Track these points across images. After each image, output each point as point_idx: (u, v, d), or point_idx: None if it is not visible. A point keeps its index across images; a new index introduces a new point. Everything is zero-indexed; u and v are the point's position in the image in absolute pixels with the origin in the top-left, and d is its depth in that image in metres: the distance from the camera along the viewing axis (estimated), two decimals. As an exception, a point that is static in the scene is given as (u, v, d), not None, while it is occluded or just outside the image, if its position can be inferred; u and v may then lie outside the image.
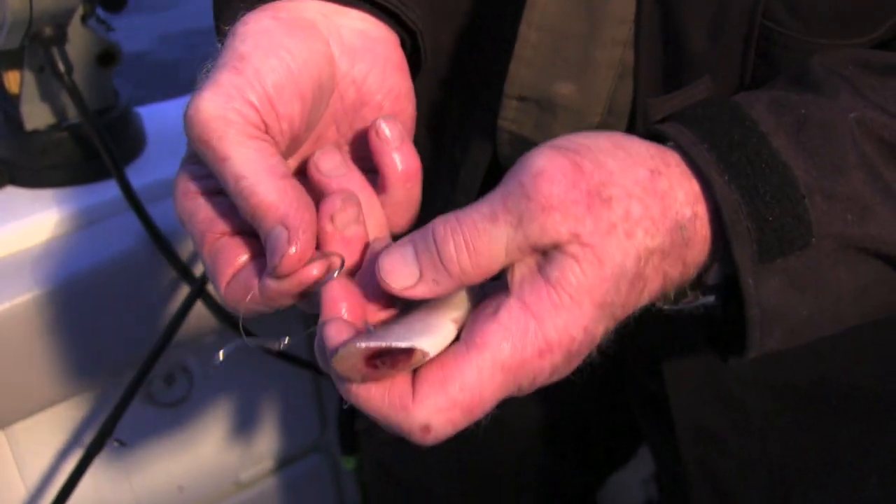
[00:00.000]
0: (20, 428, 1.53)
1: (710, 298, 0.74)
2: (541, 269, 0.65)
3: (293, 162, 0.78)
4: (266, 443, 1.85)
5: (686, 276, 0.71)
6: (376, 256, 0.67)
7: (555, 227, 0.64)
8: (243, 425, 1.80)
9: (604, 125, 0.91)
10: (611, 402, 1.38)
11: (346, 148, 0.80)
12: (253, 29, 0.72)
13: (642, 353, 1.14)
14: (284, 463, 1.89)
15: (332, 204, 0.69)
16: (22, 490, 1.56)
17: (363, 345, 0.62)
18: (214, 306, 1.53)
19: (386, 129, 0.73)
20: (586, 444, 1.46)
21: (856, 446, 1.07)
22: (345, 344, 0.63)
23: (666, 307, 0.75)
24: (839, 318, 0.75)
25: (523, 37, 0.90)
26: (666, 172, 0.68)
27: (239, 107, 0.69)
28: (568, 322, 0.64)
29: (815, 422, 1.06)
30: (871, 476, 1.07)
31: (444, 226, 0.65)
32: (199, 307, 1.53)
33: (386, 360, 0.63)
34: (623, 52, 0.88)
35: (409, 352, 0.63)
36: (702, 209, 0.69)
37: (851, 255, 0.71)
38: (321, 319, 0.67)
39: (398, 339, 0.63)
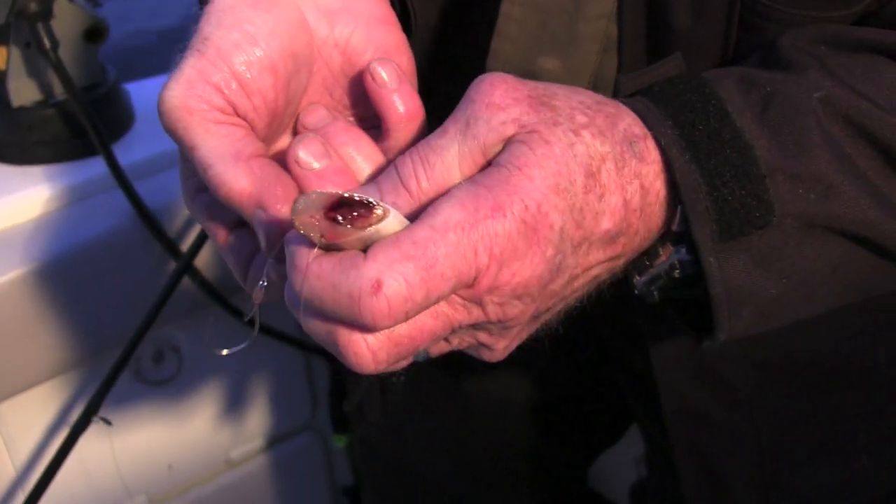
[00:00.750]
0: (8, 406, 1.53)
1: (682, 251, 0.73)
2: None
3: (286, 137, 0.77)
4: (257, 421, 1.84)
5: (647, 209, 0.70)
6: None
7: (500, 120, 0.64)
8: (234, 403, 1.80)
9: None
10: (600, 380, 1.38)
11: (348, 113, 0.79)
12: (217, 7, 0.71)
13: (628, 332, 1.13)
14: (275, 441, 1.88)
15: (293, 148, 0.68)
16: (10, 469, 1.56)
17: (323, 192, 0.61)
18: (203, 283, 1.53)
19: (381, 71, 0.71)
20: (576, 423, 1.46)
21: (845, 422, 1.06)
22: (305, 195, 0.61)
23: (644, 277, 0.75)
24: (811, 299, 0.75)
25: (506, 13, 0.89)
26: (612, 104, 0.68)
27: (201, 93, 0.68)
28: (518, 188, 0.63)
29: (803, 398, 1.06)
30: (860, 451, 1.07)
31: (403, 154, 0.66)
32: (189, 285, 1.53)
33: (346, 216, 0.61)
34: (607, 25, 0.87)
35: (369, 207, 0.61)
36: (651, 142, 0.69)
37: (817, 234, 0.70)
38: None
39: (356, 192, 0.62)
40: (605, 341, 1.27)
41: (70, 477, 1.58)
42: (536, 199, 0.63)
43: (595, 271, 0.70)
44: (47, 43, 1.41)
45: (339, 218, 0.61)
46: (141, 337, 1.43)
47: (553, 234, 0.64)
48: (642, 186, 0.68)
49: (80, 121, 1.47)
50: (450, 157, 0.65)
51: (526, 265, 0.64)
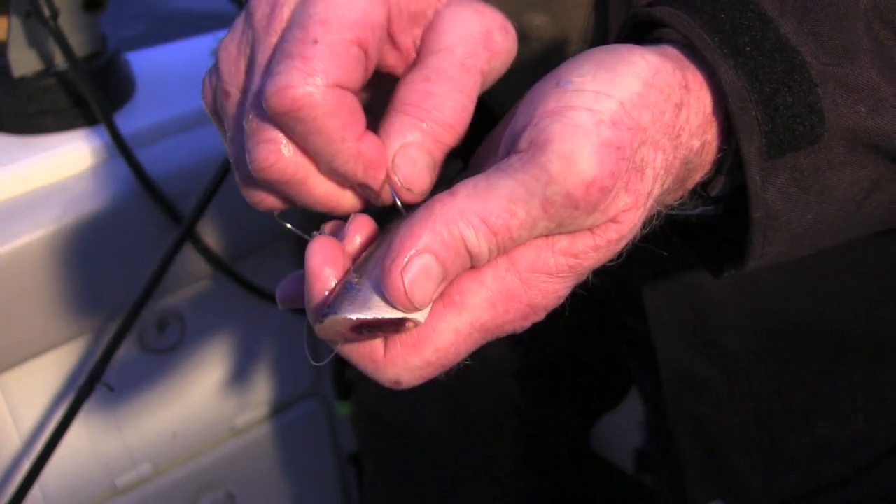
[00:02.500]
0: (13, 375, 1.54)
1: (712, 207, 0.71)
2: (549, 233, 0.61)
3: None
4: (260, 389, 1.85)
5: (682, 198, 0.68)
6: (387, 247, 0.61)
7: (593, 222, 0.60)
8: (237, 371, 1.80)
9: None
10: (601, 344, 1.38)
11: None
12: None
13: (630, 295, 1.14)
14: (279, 409, 1.89)
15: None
16: (16, 437, 1.57)
17: (352, 316, 0.59)
18: (205, 250, 1.53)
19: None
20: (577, 386, 1.46)
21: (843, 385, 1.06)
22: (330, 312, 0.60)
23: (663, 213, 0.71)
24: (839, 227, 0.71)
25: None
26: (687, 101, 0.63)
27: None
28: (559, 287, 0.62)
29: (801, 364, 1.06)
30: (857, 414, 1.07)
31: (475, 233, 0.59)
32: (192, 253, 1.53)
33: (373, 331, 0.60)
34: None
35: (398, 324, 0.60)
36: (710, 135, 0.65)
37: (860, 153, 0.66)
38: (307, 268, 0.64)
39: (387, 311, 0.59)
40: (607, 305, 1.27)
41: (75, 446, 1.59)
42: (570, 285, 0.63)
43: None
44: (47, 12, 1.41)
45: (367, 332, 0.61)
46: (143, 304, 1.44)
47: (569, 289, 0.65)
48: (683, 189, 0.67)
49: (81, 90, 1.47)
50: (525, 240, 0.61)
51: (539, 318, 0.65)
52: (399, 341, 0.61)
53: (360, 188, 0.68)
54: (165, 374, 1.72)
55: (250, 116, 0.65)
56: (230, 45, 0.68)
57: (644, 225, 0.65)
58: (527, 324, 0.63)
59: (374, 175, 0.67)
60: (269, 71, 0.63)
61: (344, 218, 0.70)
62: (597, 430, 1.65)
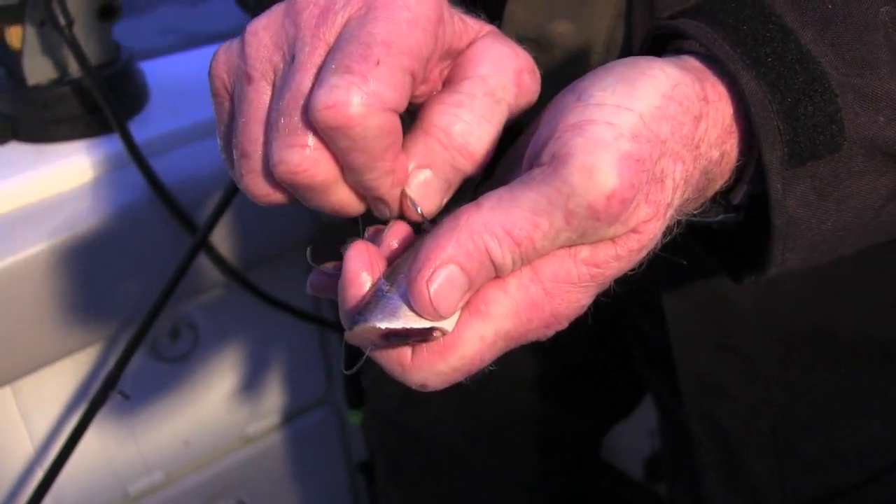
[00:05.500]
0: (26, 383, 1.54)
1: (733, 215, 0.72)
2: (571, 244, 0.62)
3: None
4: (272, 397, 1.85)
5: (703, 206, 0.69)
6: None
7: (614, 233, 0.61)
8: (249, 379, 1.80)
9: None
10: (614, 351, 1.38)
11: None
12: None
13: (647, 303, 1.14)
14: (291, 417, 1.89)
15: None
16: (29, 445, 1.57)
17: (381, 326, 0.61)
18: (218, 259, 1.54)
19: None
20: (590, 394, 1.46)
21: (861, 391, 1.07)
22: (361, 319, 0.61)
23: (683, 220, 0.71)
24: (858, 234, 0.72)
25: None
26: (706, 113, 0.64)
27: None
28: (582, 296, 0.63)
29: (819, 369, 1.06)
30: (873, 419, 1.07)
31: (498, 244, 0.60)
32: (205, 262, 1.54)
33: (401, 340, 0.62)
34: None
35: (425, 333, 0.61)
36: (729, 146, 0.66)
37: (879, 162, 0.67)
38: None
39: (416, 321, 0.60)
40: (622, 312, 1.27)
41: (88, 453, 1.60)
42: (593, 294, 0.64)
43: None
44: (62, 20, 1.41)
45: (395, 340, 0.62)
46: (157, 313, 1.44)
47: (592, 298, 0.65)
48: (704, 198, 0.68)
49: (96, 98, 1.48)
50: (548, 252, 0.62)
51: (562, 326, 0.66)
52: (426, 348, 0.62)
53: (373, 200, 0.69)
54: (178, 382, 1.72)
55: (286, 116, 0.64)
56: (262, 32, 0.66)
57: (665, 234, 0.66)
58: (550, 332, 0.64)
59: (395, 193, 0.68)
60: (321, 80, 0.62)
61: (383, 222, 0.70)
62: (607, 438, 1.65)
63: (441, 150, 0.67)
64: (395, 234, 0.68)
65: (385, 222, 0.71)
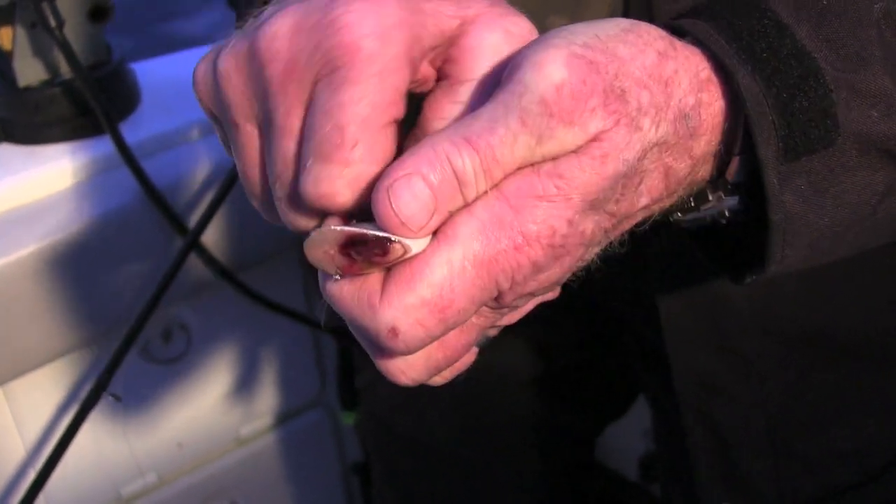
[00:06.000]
0: (18, 385, 1.54)
1: (734, 200, 0.70)
2: (532, 156, 0.60)
3: None
4: (266, 398, 1.85)
5: (695, 173, 0.67)
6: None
7: (573, 139, 0.59)
8: (243, 381, 1.80)
9: None
10: (608, 351, 1.38)
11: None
12: None
13: (641, 302, 1.14)
14: (285, 418, 1.89)
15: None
16: (21, 447, 1.57)
17: (338, 228, 0.59)
18: (210, 259, 1.53)
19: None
20: (584, 394, 1.46)
21: (858, 390, 1.07)
22: (319, 228, 0.60)
23: (687, 217, 0.71)
24: (855, 233, 0.71)
25: None
26: (673, 55, 0.63)
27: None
28: (550, 214, 0.59)
29: (816, 368, 1.06)
30: (871, 419, 1.07)
31: (458, 151, 0.58)
32: (198, 263, 1.53)
33: (361, 252, 0.59)
34: None
35: (385, 244, 0.59)
36: (707, 96, 0.64)
37: (873, 157, 0.67)
38: None
39: (375, 230, 0.59)
40: (615, 311, 1.27)
41: (80, 455, 1.59)
42: (567, 217, 0.60)
43: (627, 226, 0.68)
44: (52, 22, 1.41)
45: (355, 254, 0.60)
46: (148, 314, 1.44)
47: (584, 239, 0.62)
48: (691, 156, 0.65)
49: (87, 100, 1.47)
50: (513, 166, 0.60)
51: (553, 273, 0.63)
52: (394, 280, 0.60)
53: None
54: (171, 383, 1.72)
55: (282, 184, 0.64)
56: (234, 77, 0.65)
57: (667, 198, 0.66)
58: (523, 258, 0.60)
59: None
60: (305, 167, 0.61)
61: None
62: (601, 439, 1.65)
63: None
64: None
65: None
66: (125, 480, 1.71)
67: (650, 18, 0.87)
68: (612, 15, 0.89)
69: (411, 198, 0.57)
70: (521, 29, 0.67)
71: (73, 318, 1.48)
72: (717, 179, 0.69)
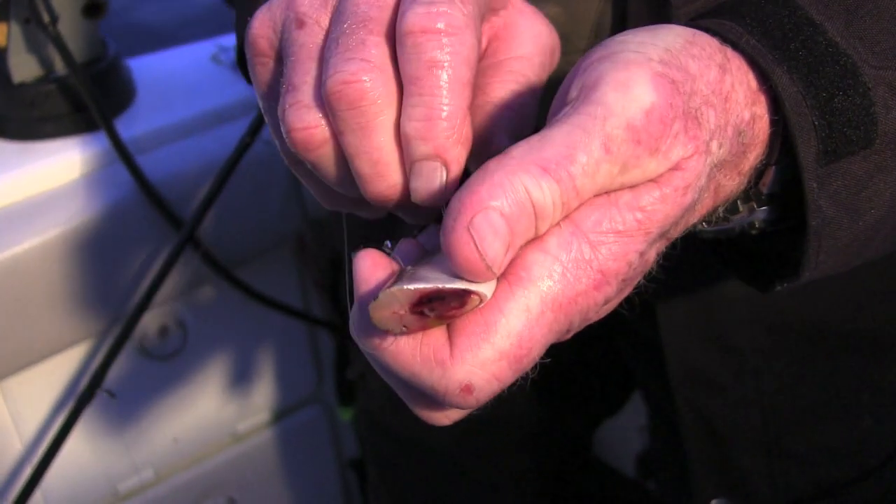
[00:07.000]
0: (14, 381, 1.53)
1: (765, 210, 0.67)
2: (611, 185, 0.56)
3: None
4: (262, 394, 1.85)
5: (739, 188, 0.64)
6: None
7: (656, 168, 0.55)
8: (239, 377, 1.80)
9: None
10: (603, 347, 1.38)
11: None
12: None
13: (636, 297, 1.14)
14: (281, 414, 1.89)
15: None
16: (17, 443, 1.57)
17: (411, 287, 0.52)
18: (205, 255, 1.53)
19: None
20: (579, 391, 1.46)
21: (850, 385, 1.07)
22: (386, 287, 0.53)
23: (714, 228, 0.68)
24: (883, 234, 0.69)
25: None
26: (729, 68, 0.60)
27: None
28: (628, 249, 0.56)
29: (810, 362, 1.06)
30: (864, 414, 1.07)
31: (536, 181, 0.52)
32: (194, 259, 1.53)
33: (436, 307, 0.53)
34: None
35: (463, 296, 0.52)
36: (759, 109, 0.61)
37: None
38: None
39: (449, 282, 0.52)
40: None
41: (77, 451, 1.59)
42: (641, 251, 0.57)
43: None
44: (46, 18, 1.40)
45: (428, 311, 0.53)
46: (143, 310, 1.44)
47: (647, 267, 0.60)
48: (739, 173, 0.63)
49: (82, 96, 1.47)
50: (592, 193, 0.55)
51: (615, 302, 0.61)
52: (465, 331, 0.54)
53: (419, 163, 0.63)
54: (167, 380, 1.72)
55: (346, 36, 0.61)
56: None
57: (709, 214, 0.63)
58: (600, 296, 0.56)
59: (456, 153, 0.63)
60: (406, 113, 0.60)
61: (373, 225, 0.68)
62: (598, 435, 1.65)
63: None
64: (405, 248, 0.62)
65: (375, 224, 0.69)
66: (122, 476, 1.71)
67: (648, 11, 0.87)
68: (603, 7, 0.89)
69: (493, 237, 0.52)
70: (553, 28, 0.69)
71: (69, 313, 1.48)
72: (750, 190, 0.66)
